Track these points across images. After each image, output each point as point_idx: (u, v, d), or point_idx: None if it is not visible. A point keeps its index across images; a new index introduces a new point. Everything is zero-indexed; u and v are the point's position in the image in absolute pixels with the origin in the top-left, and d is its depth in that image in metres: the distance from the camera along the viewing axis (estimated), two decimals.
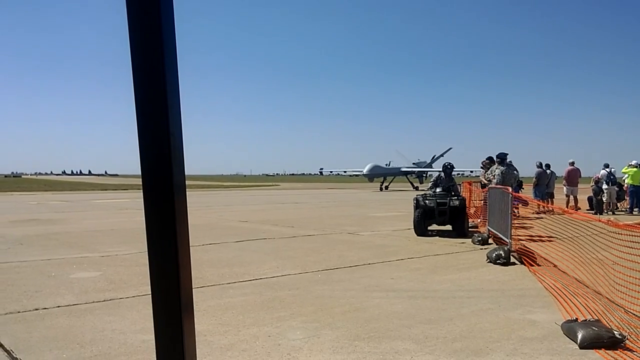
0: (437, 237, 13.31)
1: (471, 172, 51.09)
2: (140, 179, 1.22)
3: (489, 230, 12.71)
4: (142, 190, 1.22)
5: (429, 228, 14.06)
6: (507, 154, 15.72)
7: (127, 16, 1.16)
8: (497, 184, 14.23)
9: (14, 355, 4.73)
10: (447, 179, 14.85)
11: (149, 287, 1.28)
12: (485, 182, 17.08)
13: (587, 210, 21.47)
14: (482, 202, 16.49)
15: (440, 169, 16.01)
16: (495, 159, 15.93)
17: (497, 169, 15.27)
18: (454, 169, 16.05)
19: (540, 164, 21.73)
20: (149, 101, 1.18)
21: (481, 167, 17.96)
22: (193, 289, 1.38)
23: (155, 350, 1.28)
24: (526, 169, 21.72)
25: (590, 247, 7.01)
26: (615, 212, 21.59)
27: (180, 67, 1.23)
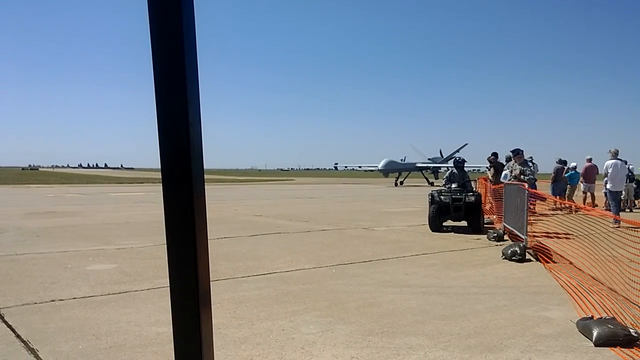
0: (452, 233, 13.26)
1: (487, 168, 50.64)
2: (156, 173, 1.23)
3: (504, 226, 12.62)
4: (161, 181, 1.22)
5: (444, 224, 14.00)
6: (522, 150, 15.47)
7: (148, 6, 1.17)
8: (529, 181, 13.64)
9: (31, 346, 4.79)
10: (461, 174, 14.66)
11: (164, 279, 1.29)
12: (491, 178, 16.88)
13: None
14: (492, 198, 16.31)
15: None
16: (513, 155, 15.57)
17: (528, 165, 14.69)
18: (465, 163, 15.72)
19: (560, 160, 21.55)
20: (169, 91, 1.18)
21: (490, 166, 17.75)
22: None
23: (172, 341, 1.29)
24: (543, 166, 21.50)
25: (606, 244, 6.95)
26: (634, 210, 21.39)
27: (198, 59, 1.23)
